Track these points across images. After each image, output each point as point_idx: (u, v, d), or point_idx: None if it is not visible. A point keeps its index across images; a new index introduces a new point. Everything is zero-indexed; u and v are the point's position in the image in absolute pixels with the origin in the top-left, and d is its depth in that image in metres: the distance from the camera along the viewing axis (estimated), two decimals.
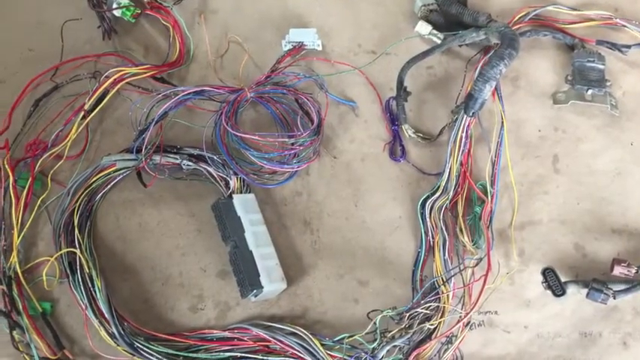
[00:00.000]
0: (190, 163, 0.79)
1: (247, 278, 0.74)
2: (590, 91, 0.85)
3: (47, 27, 0.87)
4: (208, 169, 0.80)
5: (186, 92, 0.82)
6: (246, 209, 0.78)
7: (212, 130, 0.82)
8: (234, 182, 0.80)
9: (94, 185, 0.81)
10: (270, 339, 0.75)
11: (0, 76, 0.87)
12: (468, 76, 0.86)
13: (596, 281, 0.76)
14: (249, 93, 0.82)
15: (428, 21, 0.88)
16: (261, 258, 0.76)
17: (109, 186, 0.81)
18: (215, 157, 0.80)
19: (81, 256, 0.76)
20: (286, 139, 0.81)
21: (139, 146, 0.80)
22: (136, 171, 0.81)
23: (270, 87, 0.84)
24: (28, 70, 0.85)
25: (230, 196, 0.78)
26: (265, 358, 0.75)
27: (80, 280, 0.76)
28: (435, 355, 0.75)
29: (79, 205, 0.79)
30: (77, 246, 0.77)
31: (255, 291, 0.74)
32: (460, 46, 0.88)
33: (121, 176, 0.82)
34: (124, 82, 0.83)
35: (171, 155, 0.80)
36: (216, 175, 0.80)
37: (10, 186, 0.79)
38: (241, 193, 0.80)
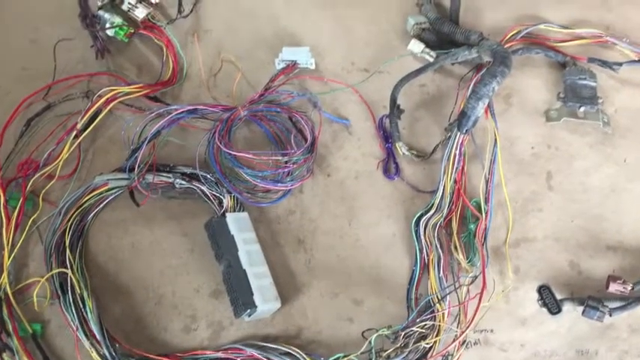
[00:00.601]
0: (183, 182, 0.79)
1: (241, 297, 0.73)
2: (582, 109, 0.85)
3: (40, 46, 0.87)
4: (201, 187, 0.80)
5: (179, 111, 0.82)
6: (239, 228, 0.77)
7: (205, 149, 0.82)
8: (227, 201, 0.79)
9: (85, 205, 0.80)
10: (264, 359, 0.74)
11: None
12: (460, 93, 0.87)
13: (592, 298, 0.75)
14: (243, 111, 0.82)
15: (420, 39, 0.89)
16: (255, 277, 0.75)
17: (101, 205, 0.81)
18: (208, 176, 0.80)
19: (72, 277, 0.75)
20: (280, 157, 0.81)
21: (131, 165, 0.80)
22: (128, 190, 0.80)
23: (263, 105, 0.84)
24: (20, 89, 0.85)
25: (223, 215, 0.78)
26: None
27: (71, 300, 0.74)
28: None
29: (71, 225, 0.79)
30: (68, 266, 0.76)
31: (249, 310, 0.73)
32: (453, 64, 0.89)
33: (114, 195, 0.81)
34: (116, 101, 0.83)
35: (164, 174, 0.80)
36: (209, 194, 0.80)
37: (1, 206, 0.78)
38: (235, 211, 0.79)
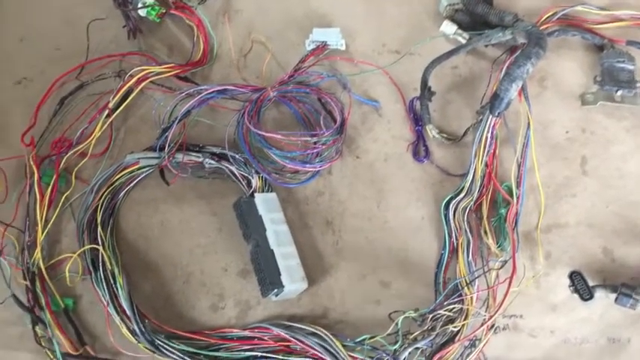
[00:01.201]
0: (213, 162, 0.79)
1: (268, 277, 0.74)
2: (619, 92, 0.83)
3: (74, 26, 0.88)
4: (230, 167, 0.80)
5: (209, 91, 0.82)
6: (267, 208, 0.77)
7: (235, 129, 0.82)
8: (256, 181, 0.79)
9: (117, 183, 0.81)
10: (291, 339, 0.74)
11: (27, 74, 0.88)
12: (493, 76, 0.85)
13: (625, 286, 0.74)
14: (272, 92, 0.82)
15: (453, 20, 0.87)
16: (283, 257, 0.75)
17: (132, 184, 0.82)
18: (237, 156, 0.80)
19: (103, 253, 0.76)
20: (309, 138, 0.80)
21: (161, 144, 0.80)
22: (158, 169, 0.81)
23: (293, 86, 0.84)
24: (54, 69, 0.86)
25: (252, 195, 0.78)
26: (286, 358, 0.74)
27: (102, 277, 0.76)
28: (459, 359, 0.74)
29: (103, 202, 0.80)
30: (100, 243, 0.77)
31: (276, 290, 0.73)
32: (486, 46, 0.87)
33: (144, 174, 0.82)
34: (147, 80, 0.84)
35: (194, 153, 0.81)
36: (238, 174, 0.80)
37: (35, 183, 0.79)
38: (263, 192, 0.79)
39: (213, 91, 0.83)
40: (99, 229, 0.78)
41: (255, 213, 0.77)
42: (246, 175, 0.80)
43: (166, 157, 0.79)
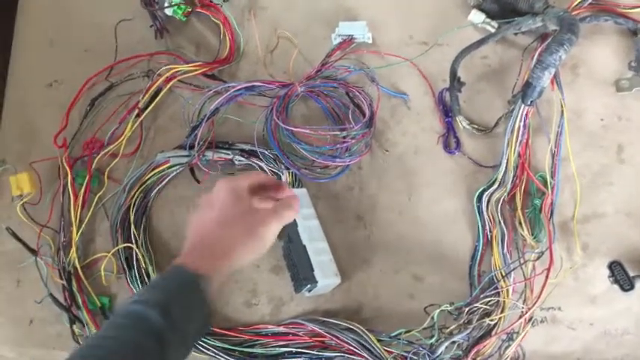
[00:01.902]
0: (242, 159, 0.80)
1: (301, 273, 0.74)
2: None
3: (101, 28, 0.89)
4: (260, 164, 0.80)
5: (237, 88, 0.82)
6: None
7: (263, 126, 0.82)
8: (286, 177, 0.79)
9: (148, 182, 0.82)
10: (326, 334, 0.74)
11: (57, 76, 0.89)
12: (524, 64, 0.83)
13: None
14: (300, 87, 0.82)
15: (481, 9, 0.86)
16: (315, 253, 0.75)
17: (163, 182, 0.83)
18: (266, 152, 0.80)
19: (137, 252, 0.77)
20: (337, 133, 0.80)
21: (191, 143, 0.81)
22: (189, 167, 0.81)
23: (320, 81, 0.83)
24: (84, 71, 0.87)
25: None
26: (321, 353, 0.74)
27: (137, 275, 0.77)
28: (496, 352, 0.73)
29: (135, 201, 0.81)
30: (134, 241, 0.78)
31: (309, 286, 0.73)
32: (515, 34, 0.85)
33: (175, 173, 0.82)
34: (176, 79, 0.84)
35: (223, 151, 0.81)
36: (267, 170, 0.80)
37: (69, 183, 0.81)
38: (293, 187, 0.79)
39: (240, 88, 0.83)
40: (132, 227, 0.79)
41: None
42: (275, 171, 0.80)
43: (196, 155, 0.79)
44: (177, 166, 0.82)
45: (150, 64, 0.88)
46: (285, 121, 0.80)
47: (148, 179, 0.82)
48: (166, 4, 0.86)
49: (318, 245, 0.76)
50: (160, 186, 0.83)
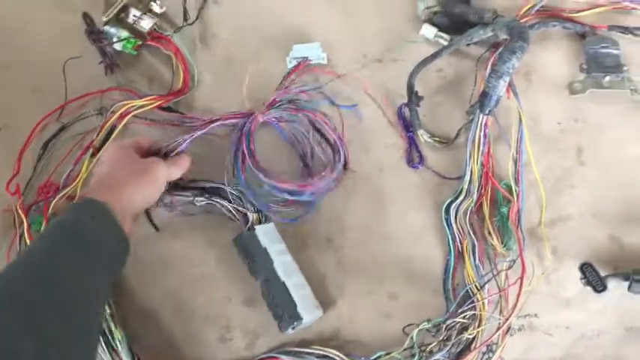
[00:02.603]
0: (203, 199, 0.77)
1: (286, 311, 0.71)
2: (607, 78, 0.82)
3: (49, 67, 0.86)
4: (223, 202, 0.77)
5: (196, 134, 0.77)
6: (270, 239, 0.75)
7: (230, 164, 0.79)
8: (252, 214, 0.77)
9: None
10: None
11: (5, 120, 0.86)
12: (479, 74, 0.84)
13: (638, 272, 0.72)
14: (261, 117, 0.80)
15: (432, 23, 0.87)
16: (295, 288, 0.72)
17: None
18: (231, 190, 0.78)
19: None
20: (311, 180, 0.78)
21: None
22: (144, 212, 0.79)
23: (283, 108, 0.82)
24: (33, 113, 0.84)
25: (252, 228, 0.75)
26: None
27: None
28: None
29: None
30: None
31: (295, 323, 0.71)
32: (468, 45, 0.86)
33: None
34: (130, 115, 0.82)
35: (182, 193, 0.78)
36: (232, 209, 0.77)
37: (25, 231, 0.77)
38: (260, 223, 0.77)
39: (201, 131, 0.78)
40: None
41: (258, 246, 0.74)
42: (241, 209, 0.77)
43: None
44: None
45: (102, 101, 0.85)
46: (255, 161, 0.77)
47: None
48: (115, 39, 0.84)
49: (296, 280, 0.74)
50: None
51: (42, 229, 0.77)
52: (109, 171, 0.70)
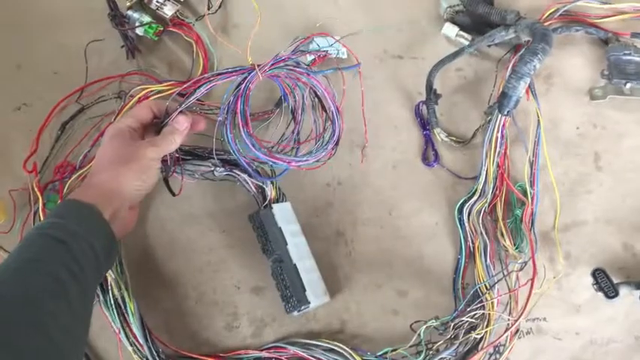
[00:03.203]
0: (223, 169, 0.77)
1: (294, 294, 0.71)
2: (628, 85, 0.82)
3: (71, 49, 0.87)
4: (243, 175, 0.76)
5: (195, 96, 0.76)
6: (285, 219, 0.74)
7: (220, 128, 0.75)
8: (270, 190, 0.76)
9: None
10: (309, 357, 0.72)
11: (26, 100, 0.87)
12: (499, 76, 0.84)
13: None
14: (262, 76, 0.76)
15: (454, 23, 0.86)
16: (305, 271, 0.72)
17: None
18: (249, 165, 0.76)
19: (111, 276, 0.74)
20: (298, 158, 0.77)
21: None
22: (163, 179, 0.78)
23: (288, 68, 0.78)
24: (53, 94, 0.84)
25: (269, 206, 0.75)
26: None
27: (112, 302, 0.73)
28: None
29: None
30: None
31: (302, 307, 0.71)
32: (489, 46, 0.86)
33: None
34: (149, 99, 0.82)
35: (203, 162, 0.78)
36: (250, 182, 0.76)
37: (40, 209, 0.78)
38: (277, 202, 0.77)
39: (197, 94, 0.76)
40: None
41: (274, 225, 0.73)
42: (259, 184, 0.76)
43: (172, 168, 0.76)
44: None
45: (122, 85, 0.86)
46: (248, 128, 0.73)
47: None
48: (137, 24, 0.85)
49: (306, 263, 0.74)
50: None
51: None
52: (99, 163, 0.70)
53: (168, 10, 0.86)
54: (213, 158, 0.77)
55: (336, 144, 0.78)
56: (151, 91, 0.82)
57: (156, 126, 0.75)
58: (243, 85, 0.75)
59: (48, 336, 0.53)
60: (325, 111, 0.79)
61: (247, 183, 0.77)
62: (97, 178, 0.69)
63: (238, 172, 0.77)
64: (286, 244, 0.73)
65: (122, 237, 0.72)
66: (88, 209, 0.64)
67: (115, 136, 0.71)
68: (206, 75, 0.78)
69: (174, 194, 0.77)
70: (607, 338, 0.74)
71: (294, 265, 0.72)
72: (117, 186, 0.68)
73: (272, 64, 0.76)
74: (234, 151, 0.74)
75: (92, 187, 0.68)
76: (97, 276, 0.64)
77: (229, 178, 0.78)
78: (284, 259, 0.72)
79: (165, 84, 0.83)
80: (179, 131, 0.73)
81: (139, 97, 0.82)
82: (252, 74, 0.75)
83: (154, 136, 0.73)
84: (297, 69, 0.77)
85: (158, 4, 0.86)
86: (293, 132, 0.79)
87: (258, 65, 0.75)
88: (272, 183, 0.77)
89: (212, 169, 0.77)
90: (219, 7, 0.89)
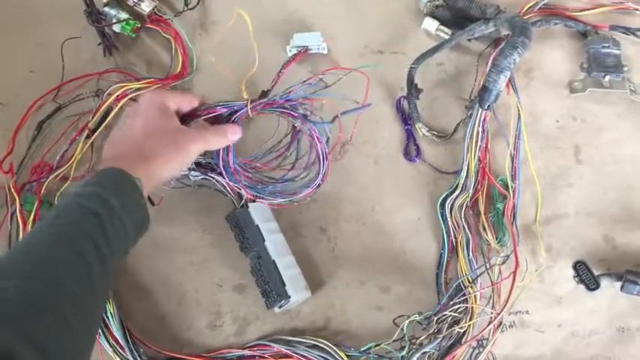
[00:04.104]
0: (198, 174, 0.77)
1: (274, 289, 0.71)
2: (607, 78, 0.82)
3: (47, 47, 0.86)
4: (218, 178, 0.76)
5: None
6: (262, 217, 0.75)
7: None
8: (246, 192, 0.76)
9: None
10: (293, 354, 0.72)
11: (2, 99, 0.85)
12: (480, 70, 0.84)
13: (631, 273, 0.72)
14: (252, 113, 0.77)
15: (434, 17, 0.86)
16: (284, 267, 0.72)
17: None
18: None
19: None
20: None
21: None
22: None
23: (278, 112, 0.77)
24: (29, 92, 0.83)
25: (245, 205, 0.75)
26: None
27: None
28: None
29: None
30: None
31: (283, 302, 0.71)
32: (469, 40, 0.86)
33: None
34: (127, 97, 0.81)
35: None
36: (226, 185, 0.76)
37: (17, 211, 0.76)
38: (254, 202, 0.77)
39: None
40: None
41: (251, 223, 0.74)
42: (235, 185, 0.76)
43: None
44: None
45: (99, 83, 0.84)
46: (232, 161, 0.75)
47: None
48: (114, 21, 0.83)
49: (286, 259, 0.74)
50: None
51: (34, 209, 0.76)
52: (144, 139, 0.65)
53: (146, 7, 0.85)
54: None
55: (318, 187, 0.76)
56: (130, 88, 0.81)
57: (187, 118, 0.73)
58: (232, 119, 0.75)
59: (65, 319, 0.51)
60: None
61: (223, 186, 0.76)
62: (144, 148, 0.65)
63: (213, 176, 0.76)
64: (264, 240, 0.73)
65: None
66: (130, 183, 0.61)
67: (164, 111, 0.68)
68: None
69: (153, 204, 0.76)
70: (589, 330, 0.74)
71: (273, 260, 0.72)
72: (162, 167, 0.65)
73: (264, 105, 0.75)
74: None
75: (140, 158, 0.64)
76: (124, 254, 0.62)
77: (205, 182, 0.77)
78: (262, 254, 0.72)
79: (144, 81, 0.82)
80: (228, 138, 0.71)
81: (117, 95, 0.81)
82: (243, 110, 0.74)
83: (200, 128, 0.71)
84: (293, 113, 0.75)
85: (135, 1, 0.85)
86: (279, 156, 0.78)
87: (252, 101, 0.74)
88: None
89: (187, 173, 0.76)
90: (198, 3, 0.88)
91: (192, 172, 0.76)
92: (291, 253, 0.75)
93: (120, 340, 0.71)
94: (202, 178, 0.77)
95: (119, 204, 0.59)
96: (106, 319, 0.72)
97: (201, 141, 0.68)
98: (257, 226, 0.73)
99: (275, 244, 0.74)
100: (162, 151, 0.65)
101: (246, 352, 0.73)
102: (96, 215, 0.57)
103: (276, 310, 0.72)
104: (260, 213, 0.75)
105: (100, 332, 0.72)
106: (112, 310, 0.72)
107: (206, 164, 0.77)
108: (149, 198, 0.77)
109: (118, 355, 0.72)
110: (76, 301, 0.53)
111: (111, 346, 0.72)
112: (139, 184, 0.62)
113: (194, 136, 0.68)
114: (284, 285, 0.71)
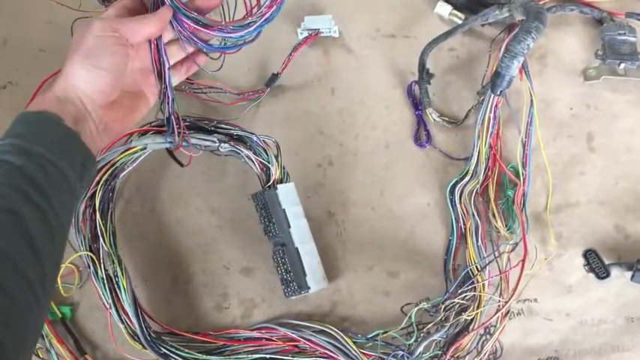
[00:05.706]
0: (228, 146, 0.74)
1: (295, 279, 0.70)
2: (622, 65, 0.81)
3: (58, 26, 0.85)
4: (248, 152, 0.74)
5: None
6: (289, 201, 0.73)
7: None
8: (275, 169, 0.74)
9: (118, 164, 0.75)
10: (299, 338, 0.72)
11: (12, 78, 0.85)
12: (492, 55, 0.82)
13: None
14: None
15: (448, 1, 0.85)
16: (306, 256, 0.71)
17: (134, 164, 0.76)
18: (255, 138, 0.75)
19: (105, 246, 0.72)
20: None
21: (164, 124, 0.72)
22: (167, 151, 0.76)
23: None
24: (40, 71, 0.82)
25: (273, 186, 0.73)
26: (294, 358, 0.71)
27: (104, 275, 0.72)
28: (474, 348, 0.71)
29: (101, 187, 0.74)
30: (100, 235, 0.72)
31: (302, 292, 0.70)
32: (483, 25, 0.84)
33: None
34: None
35: (208, 137, 0.74)
36: (255, 160, 0.74)
37: None
38: (282, 183, 0.74)
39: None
40: (98, 218, 0.73)
41: (278, 207, 0.72)
42: (266, 163, 0.74)
43: (178, 142, 0.72)
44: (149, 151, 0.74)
45: None
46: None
47: (118, 161, 0.74)
48: None
49: (307, 247, 0.72)
50: (131, 168, 0.76)
51: None
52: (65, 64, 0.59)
53: None
54: (218, 132, 0.75)
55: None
56: None
57: None
58: None
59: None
60: None
61: (252, 161, 0.75)
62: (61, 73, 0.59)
63: (242, 149, 0.75)
64: (289, 226, 0.71)
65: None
66: (38, 118, 0.55)
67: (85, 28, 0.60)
68: None
69: (182, 165, 0.74)
70: (598, 319, 0.74)
71: (296, 248, 0.71)
72: (64, 83, 0.57)
73: None
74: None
75: (46, 93, 0.58)
76: (74, 197, 0.55)
77: (233, 154, 0.76)
78: (286, 242, 0.71)
79: None
80: (155, 16, 0.61)
81: None
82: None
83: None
84: None
85: None
86: None
87: None
88: (277, 162, 0.74)
89: (217, 144, 0.74)
90: None
91: (222, 144, 0.74)
92: (312, 239, 0.73)
93: (130, 315, 0.71)
94: (231, 151, 0.75)
95: (44, 149, 0.53)
96: (119, 292, 0.72)
97: (97, 20, 0.60)
98: (284, 210, 0.72)
99: (299, 231, 0.72)
100: (73, 60, 0.59)
101: (254, 334, 0.73)
102: (18, 168, 0.52)
103: (293, 298, 0.72)
104: (287, 195, 0.73)
105: (112, 303, 0.71)
106: (124, 283, 0.72)
107: (237, 136, 0.75)
108: (175, 159, 0.75)
109: (128, 329, 0.72)
110: (8, 262, 0.47)
111: (121, 319, 0.71)
112: (49, 115, 0.55)
113: (91, 20, 0.60)
114: (305, 275, 0.70)
